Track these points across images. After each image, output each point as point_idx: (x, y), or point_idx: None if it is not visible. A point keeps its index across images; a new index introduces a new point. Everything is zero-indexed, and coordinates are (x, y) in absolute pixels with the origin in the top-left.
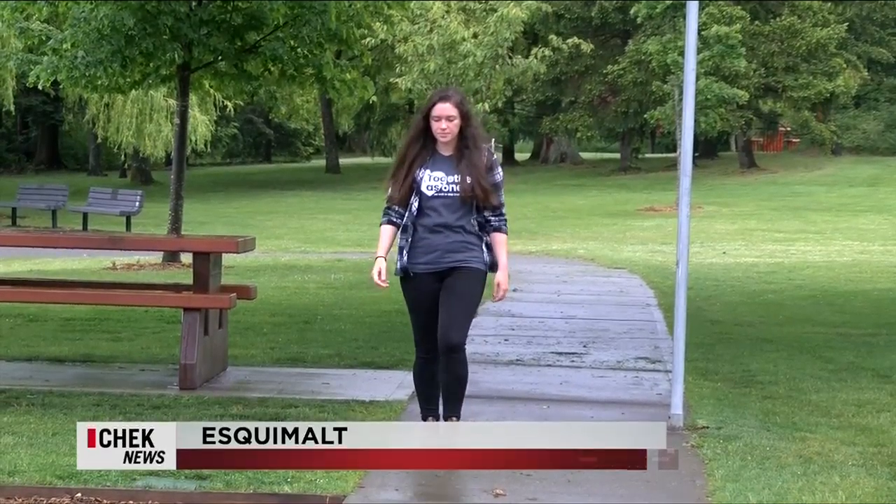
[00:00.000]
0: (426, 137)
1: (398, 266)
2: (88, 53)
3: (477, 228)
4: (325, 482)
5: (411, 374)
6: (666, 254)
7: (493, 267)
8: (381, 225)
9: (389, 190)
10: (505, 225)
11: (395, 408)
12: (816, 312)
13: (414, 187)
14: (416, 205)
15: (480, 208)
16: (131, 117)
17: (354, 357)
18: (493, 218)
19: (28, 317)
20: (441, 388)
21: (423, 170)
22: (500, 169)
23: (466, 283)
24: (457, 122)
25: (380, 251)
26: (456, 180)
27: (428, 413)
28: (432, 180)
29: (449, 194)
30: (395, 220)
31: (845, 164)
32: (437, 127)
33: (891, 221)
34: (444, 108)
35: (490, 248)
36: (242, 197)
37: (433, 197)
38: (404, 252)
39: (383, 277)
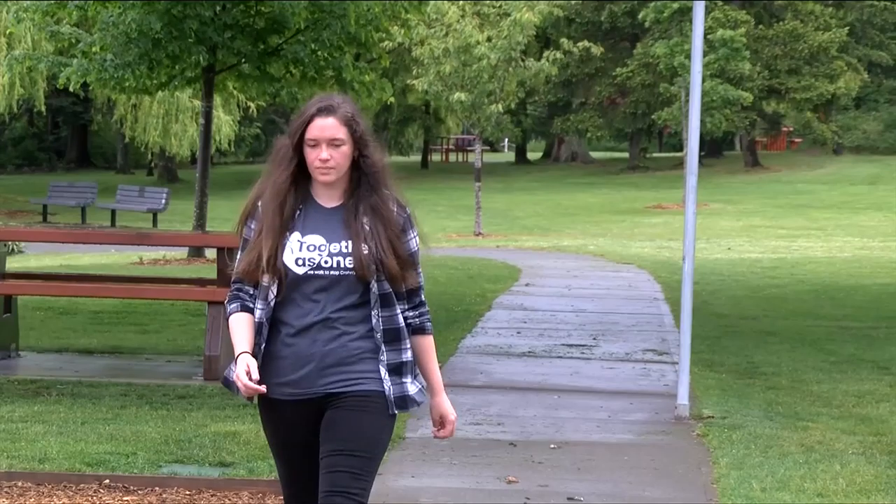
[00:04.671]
0: (298, 174)
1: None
2: (117, 56)
3: (381, 328)
4: None
5: None
6: (673, 250)
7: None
8: (229, 315)
9: (238, 259)
10: (429, 321)
11: None
12: (818, 306)
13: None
14: (274, 288)
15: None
16: (158, 118)
17: None
18: (409, 312)
19: (58, 310)
20: None
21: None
22: (415, 230)
23: (362, 422)
24: (345, 149)
25: (240, 345)
26: (346, 248)
27: None
28: (304, 249)
29: (331, 272)
30: (250, 303)
31: (846, 164)
32: (312, 158)
33: (890, 218)
34: (326, 127)
35: (411, 359)
36: None
37: (306, 277)
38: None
39: (255, 377)
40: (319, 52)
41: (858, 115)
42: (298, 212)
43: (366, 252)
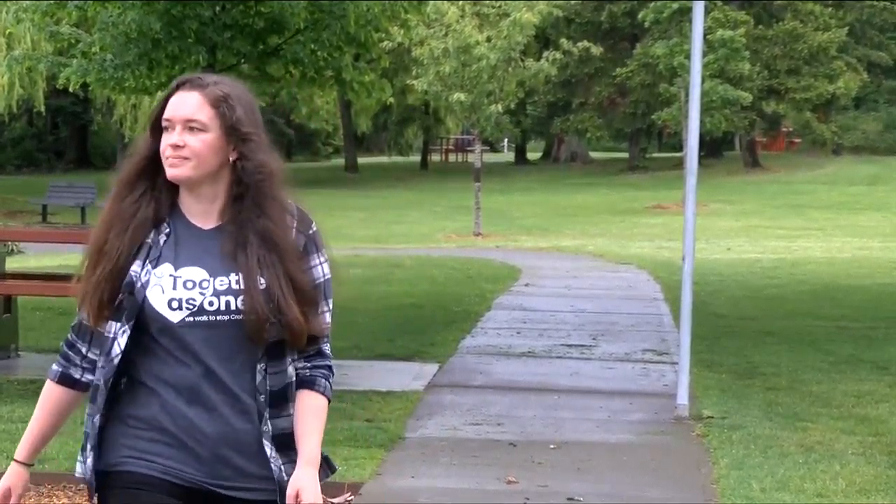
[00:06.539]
0: (157, 178)
1: (86, 467)
2: (116, 56)
3: (266, 388)
4: (343, 469)
5: (426, 365)
6: (672, 250)
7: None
8: (48, 379)
9: (80, 302)
10: (324, 378)
11: (411, 398)
12: (817, 306)
13: (128, 299)
14: (122, 340)
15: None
16: None
17: (372, 349)
18: (300, 362)
19: (57, 310)
20: None
21: (147, 262)
22: (324, 252)
23: None
24: (209, 137)
25: (24, 442)
26: (235, 284)
27: None
28: (179, 287)
29: (218, 316)
30: (74, 371)
31: (845, 164)
32: (163, 145)
33: (889, 219)
34: (183, 103)
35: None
36: None
37: (184, 325)
38: (110, 440)
39: None
40: (319, 53)
41: (858, 116)
42: (166, 236)
43: (262, 287)
